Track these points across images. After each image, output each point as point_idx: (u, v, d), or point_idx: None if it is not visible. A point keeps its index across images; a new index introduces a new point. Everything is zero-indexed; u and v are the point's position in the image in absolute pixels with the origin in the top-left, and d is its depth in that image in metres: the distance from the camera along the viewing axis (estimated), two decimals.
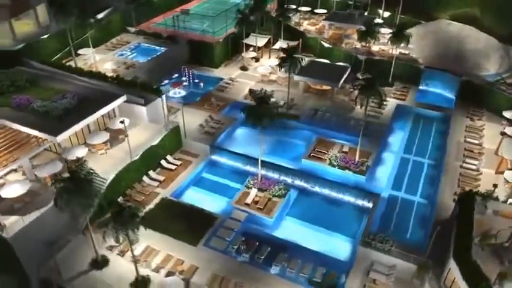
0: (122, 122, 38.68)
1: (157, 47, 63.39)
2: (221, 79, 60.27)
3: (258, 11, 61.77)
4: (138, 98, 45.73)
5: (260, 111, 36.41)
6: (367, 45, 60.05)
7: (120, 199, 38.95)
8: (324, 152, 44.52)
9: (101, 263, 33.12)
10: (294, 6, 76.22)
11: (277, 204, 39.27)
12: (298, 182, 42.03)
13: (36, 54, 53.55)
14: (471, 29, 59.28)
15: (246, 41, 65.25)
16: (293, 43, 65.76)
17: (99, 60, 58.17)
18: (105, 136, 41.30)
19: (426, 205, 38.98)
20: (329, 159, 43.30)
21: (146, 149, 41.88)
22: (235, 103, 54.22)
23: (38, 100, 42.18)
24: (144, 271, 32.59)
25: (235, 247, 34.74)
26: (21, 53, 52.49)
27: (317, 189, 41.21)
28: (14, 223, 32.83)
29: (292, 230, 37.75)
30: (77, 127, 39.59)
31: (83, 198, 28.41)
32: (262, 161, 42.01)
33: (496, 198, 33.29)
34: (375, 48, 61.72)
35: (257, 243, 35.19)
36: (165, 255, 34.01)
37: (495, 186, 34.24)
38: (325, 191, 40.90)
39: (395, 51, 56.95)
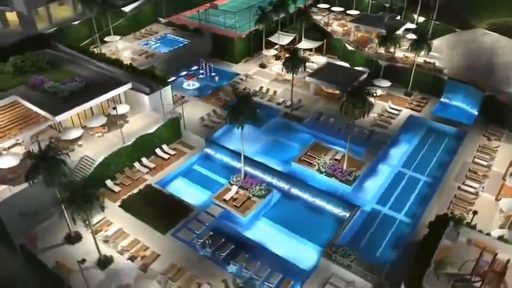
0: (114, 108, 40.55)
1: (181, 39, 65.21)
2: (237, 74, 60.77)
3: (282, 9, 61.14)
4: (144, 87, 47.54)
5: (240, 109, 36.42)
6: (391, 50, 57.44)
7: (108, 181, 41.15)
8: (315, 157, 43.54)
9: (74, 238, 35.25)
10: (326, 6, 74.52)
11: (254, 204, 39.17)
12: (281, 185, 41.60)
13: (66, 39, 57.61)
14: (508, 40, 54.40)
15: (270, 38, 65.10)
16: (317, 43, 64.83)
17: (123, 48, 61.13)
18: (103, 120, 43.53)
19: (408, 224, 36.85)
20: (318, 165, 42.28)
21: (140, 136, 43.60)
22: None
23: (50, 81, 45.45)
24: (110, 251, 34.27)
25: (201, 241, 35.30)
26: (51, 37, 56.65)
27: (298, 193, 40.53)
28: (1, 191, 35.80)
29: (263, 231, 37.54)
30: (77, 110, 42.22)
31: (49, 175, 30.34)
32: (248, 160, 42.23)
33: (473, 226, 30.69)
34: (399, 54, 58.70)
35: (223, 240, 35.47)
36: (132, 239, 35.40)
37: (475, 213, 31.53)
38: (307, 197, 40.12)
39: (417, 58, 53.85)
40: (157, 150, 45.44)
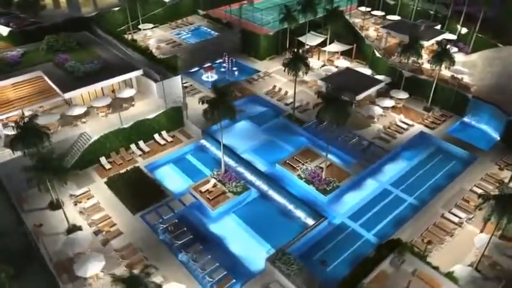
0: (113, 91, 43.27)
1: (212, 32, 66.95)
2: (257, 71, 61.10)
3: (310, 9, 60.02)
4: (155, 74, 49.90)
5: (218, 104, 37.03)
6: (418, 61, 53.98)
7: (103, 158, 44.19)
8: (300, 162, 42.77)
9: (55, 205, 38.61)
10: (367, 9, 71.59)
11: (227, 200, 39.68)
12: (260, 185, 41.56)
13: (105, 23, 62.16)
14: None
15: (300, 38, 64.38)
16: (346, 47, 62.86)
17: (153, 36, 64.38)
18: (107, 101, 46.56)
19: (373, 245, 34.81)
20: (300, 170, 41.52)
21: (138, 120, 46.06)
22: (253, 96, 55.06)
23: (72, 61, 49.59)
24: (82, 222, 37.09)
25: (164, 226, 36.76)
26: (91, 20, 61.48)
27: (273, 196, 40.26)
28: (5, 154, 40.18)
29: (228, 227, 37.90)
30: (84, 89, 45.64)
31: (27, 145, 33.62)
32: (234, 156, 42.76)
33: (423, 257, 28.37)
34: (427, 66, 54.81)
35: (184, 229, 36.57)
36: (104, 215, 37.90)
37: (428, 242, 29.05)
38: (280, 201, 39.71)
39: (446, 72, 50.03)
40: (156, 136, 47.67)
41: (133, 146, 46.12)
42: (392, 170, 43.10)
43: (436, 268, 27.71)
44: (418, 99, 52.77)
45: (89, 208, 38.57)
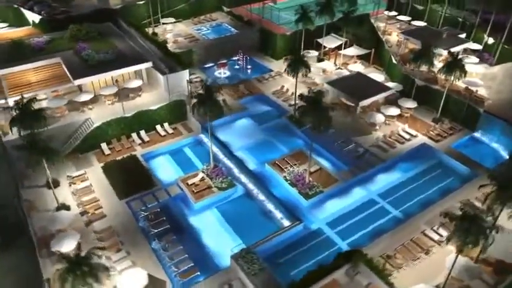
0: (116, 81, 45.29)
1: (232, 29, 67.78)
2: (270, 70, 61.22)
3: (327, 11, 59.13)
4: (164, 68, 51.53)
5: (205, 100, 37.80)
6: (433, 70, 51.75)
7: (104, 144, 46.36)
8: (289, 164, 42.61)
9: (52, 184, 41.10)
10: (393, 13, 69.36)
11: (211, 195, 40.36)
12: (246, 183, 41.89)
13: (129, 16, 64.90)
14: None
15: (319, 40, 63.70)
16: (364, 51, 61.48)
17: (173, 30, 66.25)
18: (113, 90, 48.66)
19: None
20: (286, 172, 41.40)
21: (141, 110, 47.83)
22: (260, 95, 55.35)
23: (89, 50, 52.35)
24: (71, 202, 39.28)
25: (145, 214, 38.12)
26: (116, 12, 64.38)
27: (257, 195, 40.46)
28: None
29: (207, 221, 38.53)
30: (93, 77, 48.12)
31: (25, 127, 36.16)
32: (227, 153, 43.35)
33: (380, 271, 27.51)
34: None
35: (163, 218, 37.74)
36: (93, 197, 39.91)
37: (387, 258, 28.08)
38: (262, 200, 39.86)
39: (453, 82, 47.53)
40: (158, 127, 49.25)
41: (134, 135, 47.88)
42: (384, 180, 41.84)
43: (390, 284, 26.80)
44: (429, 109, 50.64)
45: (80, 190, 40.74)
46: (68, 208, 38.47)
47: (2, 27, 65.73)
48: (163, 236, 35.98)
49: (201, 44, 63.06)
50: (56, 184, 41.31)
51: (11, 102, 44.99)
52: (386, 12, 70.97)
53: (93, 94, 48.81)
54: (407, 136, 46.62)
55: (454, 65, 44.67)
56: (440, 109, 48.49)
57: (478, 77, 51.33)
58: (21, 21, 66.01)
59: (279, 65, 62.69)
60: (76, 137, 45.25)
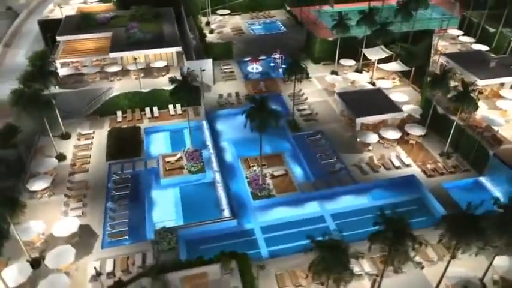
0: (135, 59, 50.79)
1: (282, 28, 68.77)
2: None
3: (368, 21, 56.35)
4: (192, 54, 55.76)
5: (181, 87, 40.77)
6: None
7: (119, 112, 52.49)
8: (257, 164, 43.15)
9: (64, 136, 48.61)
10: (458, 32, 62.39)
11: (180, 175, 43.35)
12: (215, 171, 43.76)
13: (192, 3, 70.50)
14: None
15: (364, 50, 61.09)
16: (405, 68, 57.30)
17: (230, 22, 69.85)
18: (140, 66, 54.25)
19: (261, 258, 34.15)
20: (249, 170, 42.22)
21: (156, 88, 52.71)
22: (276, 95, 56.03)
23: (136, 29, 59.14)
24: (70, 155, 46.11)
25: (116, 177, 43.00)
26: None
27: (218, 184, 42.16)
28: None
29: (165, 197, 41.61)
30: (126, 53, 54.65)
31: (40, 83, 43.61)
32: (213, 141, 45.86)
33: (249, 280, 27.43)
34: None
35: (129, 184, 42.15)
36: (86, 154, 46.23)
37: (291, 274, 27.59)
38: (219, 191, 41.43)
39: (470, 115, 42.44)
40: (170, 106, 53.66)
41: (147, 109, 53.16)
42: (345, 202, 39.84)
43: None
44: (442, 141, 45.66)
45: (81, 146, 47.48)
46: (63, 158, 45.43)
47: (92, 1, 77.09)
48: (119, 200, 40.40)
49: (245, 38, 65.72)
50: (68, 137, 48.85)
51: (58, 64, 54.35)
52: (450, 31, 64.14)
53: (121, 67, 55.33)
54: (397, 163, 43.07)
55: (464, 96, 39.68)
56: (448, 142, 43.50)
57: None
58: None
59: (314, 69, 61.96)
60: (97, 101, 52.34)
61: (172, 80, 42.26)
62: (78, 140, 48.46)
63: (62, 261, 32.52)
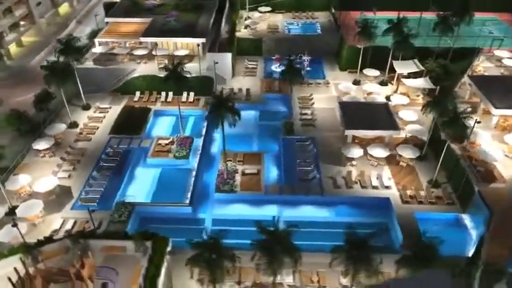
0: (156, 44, 54.44)
1: (319, 30, 67.58)
2: (324, 78, 59.69)
3: (394, 30, 53.15)
4: (214, 48, 58.10)
5: (170, 75, 43.35)
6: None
7: (137, 93, 56.78)
8: (231, 159, 44.07)
9: (85, 107, 54.28)
10: (504, 54, 55.83)
11: (165, 157, 46.06)
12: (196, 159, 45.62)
13: None
14: None
15: (395, 62, 57.86)
16: (431, 87, 53.26)
17: (269, 19, 70.66)
18: (165, 52, 58.12)
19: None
20: (222, 163, 43.32)
21: None
22: (286, 96, 55.68)
23: (173, 18, 63.07)
24: (82, 124, 51.44)
25: (110, 150, 47.15)
26: None
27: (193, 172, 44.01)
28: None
29: (146, 175, 44.77)
30: (154, 39, 58.98)
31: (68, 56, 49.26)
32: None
33: (156, 261, 28.97)
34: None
35: (118, 158, 46.01)
36: (95, 125, 51.12)
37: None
38: (191, 178, 43.20)
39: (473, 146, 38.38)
40: (184, 93, 56.58)
41: (163, 93, 56.72)
42: (304, 211, 39.28)
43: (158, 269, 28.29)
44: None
45: (94, 118, 52.65)
46: (75, 126, 50.93)
47: None
48: (103, 170, 44.39)
49: (278, 37, 65.92)
50: (88, 108, 54.46)
51: (96, 43, 60.54)
52: (495, 52, 57.50)
53: (147, 51, 59.61)
54: (376, 183, 40.81)
55: (454, 121, 36.24)
56: (437, 171, 40.03)
57: None
58: None
59: (337, 76, 60.56)
60: (120, 80, 57.29)
61: (165, 68, 44.95)
62: (94, 112, 53.76)
63: (30, 212, 37.26)
